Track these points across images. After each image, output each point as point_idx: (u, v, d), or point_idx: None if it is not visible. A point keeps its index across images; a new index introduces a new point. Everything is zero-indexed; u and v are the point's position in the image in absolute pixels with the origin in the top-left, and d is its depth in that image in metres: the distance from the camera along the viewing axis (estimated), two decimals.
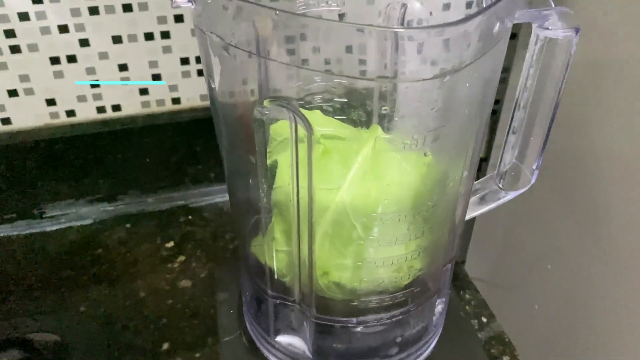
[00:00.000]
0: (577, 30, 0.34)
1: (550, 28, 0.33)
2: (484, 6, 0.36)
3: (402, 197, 0.31)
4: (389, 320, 0.36)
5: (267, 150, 0.34)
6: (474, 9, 0.64)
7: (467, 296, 0.58)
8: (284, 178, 0.34)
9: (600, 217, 0.57)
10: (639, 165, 0.50)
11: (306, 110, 0.34)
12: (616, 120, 0.53)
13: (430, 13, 0.43)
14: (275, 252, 0.36)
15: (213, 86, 0.31)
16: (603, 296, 0.57)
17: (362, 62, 0.31)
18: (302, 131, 0.30)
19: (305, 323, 0.37)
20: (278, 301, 0.38)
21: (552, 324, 0.65)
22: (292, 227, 0.34)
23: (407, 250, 0.33)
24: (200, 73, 0.60)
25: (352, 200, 0.33)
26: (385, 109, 0.29)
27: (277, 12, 0.24)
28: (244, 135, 0.32)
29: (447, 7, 0.63)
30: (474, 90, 0.29)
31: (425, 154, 0.30)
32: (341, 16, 0.38)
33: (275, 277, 0.36)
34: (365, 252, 0.33)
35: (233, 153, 0.35)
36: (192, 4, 0.27)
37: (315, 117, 0.35)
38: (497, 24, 0.29)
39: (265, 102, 0.28)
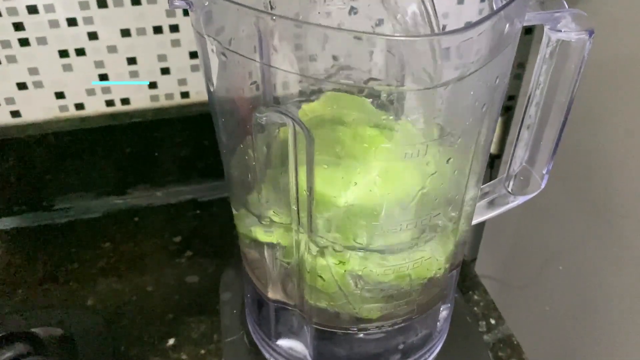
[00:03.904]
0: (590, 33, 0.33)
1: (562, 30, 0.32)
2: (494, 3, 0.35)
3: (403, 206, 0.30)
4: (391, 328, 0.36)
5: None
6: (486, 0, 0.63)
7: (475, 297, 0.57)
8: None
9: (612, 216, 0.56)
10: None
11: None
12: (629, 118, 0.52)
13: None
14: (274, 259, 0.35)
15: (212, 89, 0.30)
16: (616, 298, 0.56)
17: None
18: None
19: (305, 328, 0.37)
20: (278, 305, 0.37)
21: (563, 326, 0.65)
22: (292, 227, 0.34)
23: (411, 259, 0.32)
24: None
25: (354, 203, 0.32)
26: (385, 118, 0.28)
27: (274, 18, 0.23)
28: (244, 140, 0.32)
29: (461, 0, 0.61)
30: (478, 97, 0.28)
31: (427, 163, 0.29)
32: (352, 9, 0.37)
33: (276, 282, 0.36)
34: (366, 260, 0.32)
35: (232, 156, 0.35)
36: (190, 7, 0.26)
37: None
38: (506, 28, 0.28)
39: (264, 109, 0.27)
